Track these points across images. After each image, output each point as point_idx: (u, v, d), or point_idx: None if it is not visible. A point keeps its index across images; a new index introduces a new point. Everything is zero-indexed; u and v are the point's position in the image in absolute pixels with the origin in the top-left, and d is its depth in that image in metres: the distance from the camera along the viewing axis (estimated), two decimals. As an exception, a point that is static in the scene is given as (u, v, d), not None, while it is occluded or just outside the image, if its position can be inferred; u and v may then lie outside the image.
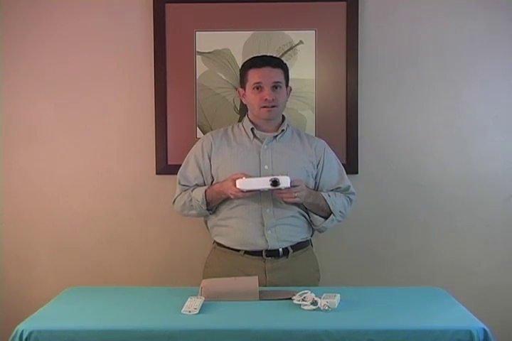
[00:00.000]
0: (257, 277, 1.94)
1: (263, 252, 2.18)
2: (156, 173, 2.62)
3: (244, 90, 2.24)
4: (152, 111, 2.61)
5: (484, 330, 1.62)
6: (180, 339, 1.62)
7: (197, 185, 2.26)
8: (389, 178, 2.63)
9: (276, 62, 2.22)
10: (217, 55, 2.59)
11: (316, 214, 2.23)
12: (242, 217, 2.19)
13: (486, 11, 2.58)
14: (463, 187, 2.63)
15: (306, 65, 2.59)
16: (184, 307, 1.76)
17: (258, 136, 2.25)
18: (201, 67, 2.59)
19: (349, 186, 2.30)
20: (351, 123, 2.59)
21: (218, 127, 2.46)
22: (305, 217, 2.25)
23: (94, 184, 2.65)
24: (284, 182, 2.04)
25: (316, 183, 2.27)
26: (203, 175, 2.27)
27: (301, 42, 2.59)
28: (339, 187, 2.28)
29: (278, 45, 2.58)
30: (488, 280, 2.65)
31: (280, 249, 2.19)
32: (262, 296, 1.89)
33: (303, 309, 1.77)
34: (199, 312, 1.74)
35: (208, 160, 2.26)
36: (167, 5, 2.57)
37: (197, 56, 2.60)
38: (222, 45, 2.58)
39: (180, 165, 2.32)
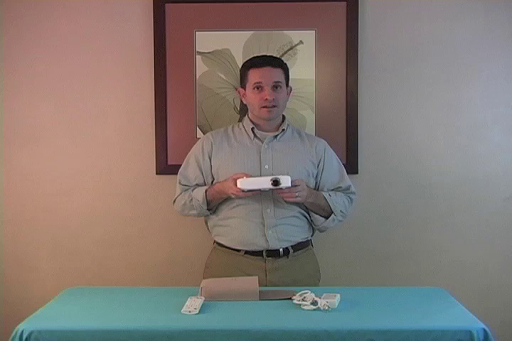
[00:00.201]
0: (256, 277, 1.94)
1: (263, 252, 2.18)
2: (156, 173, 2.62)
3: (245, 90, 2.23)
4: (152, 111, 2.61)
5: (484, 330, 1.62)
6: (180, 339, 1.61)
7: (197, 185, 2.26)
8: (389, 178, 2.64)
9: (276, 62, 2.22)
10: (217, 55, 2.59)
11: (317, 214, 2.23)
12: (243, 217, 2.19)
13: (486, 11, 2.58)
14: (463, 187, 2.63)
15: (306, 65, 2.59)
16: (184, 307, 1.76)
17: (258, 135, 2.25)
18: (201, 67, 2.60)
19: (350, 185, 2.30)
20: (351, 123, 2.59)
21: (218, 127, 2.46)
22: (306, 217, 2.25)
23: (94, 184, 2.65)
24: (285, 181, 2.03)
25: (316, 183, 2.27)
26: (203, 175, 2.26)
27: (301, 42, 2.59)
28: (340, 187, 2.28)
29: (278, 45, 2.58)
30: (488, 280, 2.65)
31: (281, 249, 2.19)
32: (262, 296, 1.88)
33: (303, 309, 1.77)
34: (199, 312, 1.74)
35: (208, 160, 2.26)
36: (167, 5, 2.57)
37: (197, 56, 2.60)
38: (222, 45, 2.59)
39: (180, 165, 2.32)
